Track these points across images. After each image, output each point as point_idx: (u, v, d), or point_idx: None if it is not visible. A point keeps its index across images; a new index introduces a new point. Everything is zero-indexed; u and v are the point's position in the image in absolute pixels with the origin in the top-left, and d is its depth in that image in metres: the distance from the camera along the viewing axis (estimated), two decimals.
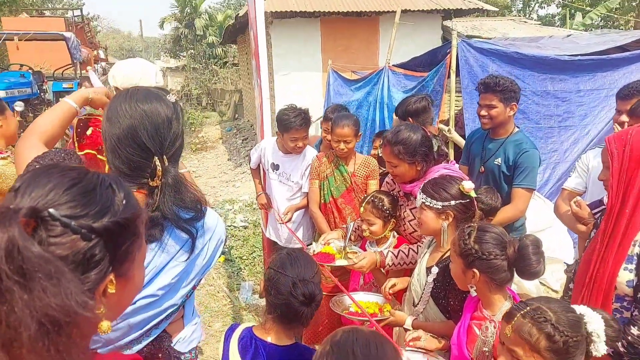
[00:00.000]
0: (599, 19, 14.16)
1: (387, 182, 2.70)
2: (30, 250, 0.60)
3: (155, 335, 1.40)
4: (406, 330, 2.03)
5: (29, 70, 10.12)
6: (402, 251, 2.35)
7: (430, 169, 2.38)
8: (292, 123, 3.16)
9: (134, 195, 0.81)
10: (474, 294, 1.70)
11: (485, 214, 2.60)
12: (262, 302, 4.33)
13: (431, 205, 1.99)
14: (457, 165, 2.57)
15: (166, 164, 1.32)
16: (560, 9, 20.30)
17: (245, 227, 6.56)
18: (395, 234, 2.61)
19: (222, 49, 24.53)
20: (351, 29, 10.05)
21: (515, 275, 1.67)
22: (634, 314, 1.58)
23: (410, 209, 2.50)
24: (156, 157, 1.29)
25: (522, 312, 1.32)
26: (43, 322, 0.61)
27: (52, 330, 0.62)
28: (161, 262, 1.30)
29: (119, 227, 0.74)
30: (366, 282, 2.67)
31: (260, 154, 3.66)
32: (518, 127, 2.99)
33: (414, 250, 2.34)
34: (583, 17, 14.70)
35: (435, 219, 1.99)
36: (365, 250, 2.64)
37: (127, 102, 1.31)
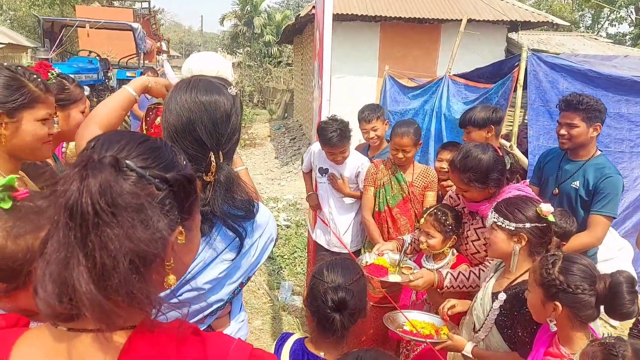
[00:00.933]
0: None
1: (450, 196, 2.59)
2: (122, 187, 0.68)
3: None
4: (465, 357, 1.92)
5: (97, 57, 10.63)
6: (463, 273, 2.24)
7: (502, 189, 2.25)
8: (328, 140, 3.10)
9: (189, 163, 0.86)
10: (553, 328, 1.55)
11: (560, 238, 2.44)
12: (300, 302, 4.30)
13: (504, 225, 1.86)
14: (528, 187, 2.42)
15: (221, 159, 1.29)
16: (633, 27, 19.22)
17: (288, 227, 6.57)
18: (455, 251, 2.49)
19: (277, 49, 24.92)
20: (411, 35, 9.88)
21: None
22: None
23: (475, 229, 2.37)
24: (212, 153, 1.27)
25: (597, 341, 1.23)
26: (133, 257, 0.67)
27: (140, 265, 0.69)
28: (208, 258, 1.28)
29: (185, 180, 0.79)
30: (418, 298, 2.56)
31: (310, 157, 3.64)
32: (601, 151, 2.80)
33: (475, 274, 2.21)
34: None
35: (506, 240, 1.86)
36: (420, 264, 2.54)
37: (188, 93, 1.28)
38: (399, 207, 3.10)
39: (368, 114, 3.48)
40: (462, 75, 5.55)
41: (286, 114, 17.82)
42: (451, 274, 2.22)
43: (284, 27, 16.24)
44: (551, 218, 1.80)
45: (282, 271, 5.21)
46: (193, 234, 0.84)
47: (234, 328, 1.51)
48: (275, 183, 9.37)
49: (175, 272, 0.80)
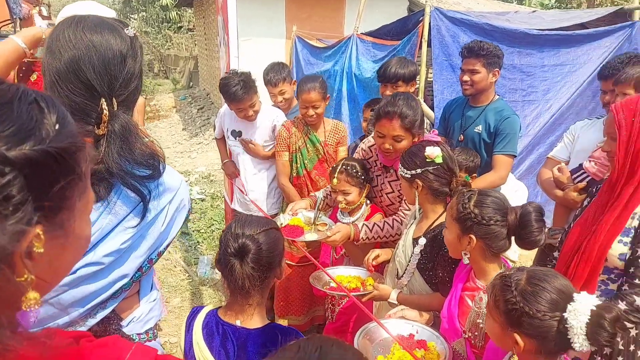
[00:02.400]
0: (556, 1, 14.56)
1: (363, 149, 2.55)
2: None
3: (101, 317, 1.19)
4: (391, 304, 1.93)
5: None
6: (377, 224, 2.24)
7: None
8: (233, 95, 2.91)
9: (73, 123, 0.60)
10: (466, 261, 1.61)
11: (468, 173, 2.55)
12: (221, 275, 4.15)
13: (404, 174, 1.93)
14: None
15: (115, 108, 1.10)
16: None
17: (203, 200, 6.30)
18: (368, 202, 2.49)
19: (176, 13, 23.30)
20: None
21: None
22: (623, 288, 1.54)
23: (389, 182, 2.38)
24: (103, 100, 1.08)
25: (499, 274, 1.27)
26: None
27: None
28: (107, 225, 1.10)
29: (48, 158, 0.53)
30: (337, 253, 2.54)
31: (220, 122, 3.43)
32: (498, 95, 2.93)
33: (389, 224, 2.23)
34: None
35: (409, 188, 1.92)
36: (336, 220, 2.51)
37: (72, 29, 1.08)
38: (317, 168, 3.03)
39: (273, 76, 3.28)
40: (369, 34, 5.54)
41: (191, 83, 16.91)
42: (366, 225, 2.22)
43: None
44: (438, 160, 1.83)
45: (199, 246, 4.99)
46: (69, 229, 0.61)
47: (145, 309, 1.35)
48: (185, 156, 8.92)
49: (43, 286, 0.58)
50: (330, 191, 2.58)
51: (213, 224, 5.44)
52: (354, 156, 2.59)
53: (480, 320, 1.49)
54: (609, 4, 13.75)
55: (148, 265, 1.26)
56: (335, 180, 2.40)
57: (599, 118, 2.60)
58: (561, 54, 4.59)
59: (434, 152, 1.83)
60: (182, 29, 22.54)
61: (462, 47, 2.88)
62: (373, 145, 2.48)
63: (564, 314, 1.13)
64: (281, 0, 9.48)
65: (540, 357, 1.20)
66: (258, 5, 9.31)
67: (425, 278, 1.90)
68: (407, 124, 2.13)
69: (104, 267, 1.13)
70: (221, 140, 3.55)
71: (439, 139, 2.26)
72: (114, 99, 1.10)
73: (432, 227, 1.90)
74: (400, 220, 2.23)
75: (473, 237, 1.54)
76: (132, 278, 1.22)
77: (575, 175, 2.30)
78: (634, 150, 1.50)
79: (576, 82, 4.62)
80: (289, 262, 3.04)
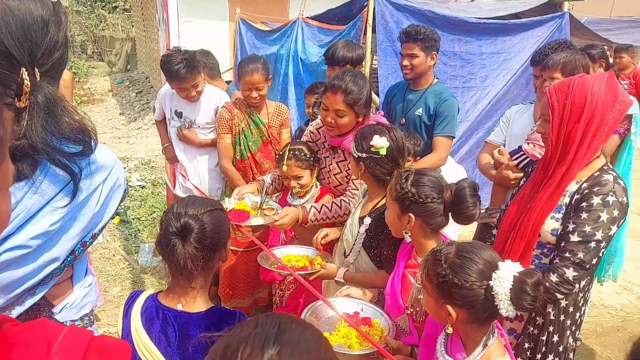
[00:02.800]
0: None
1: (311, 131, 2.54)
2: None
3: (29, 304, 1.12)
4: (337, 282, 1.95)
5: None
6: (325, 205, 2.24)
7: (364, 121, 2.27)
8: (176, 74, 2.79)
9: None
10: (408, 239, 1.64)
11: (413, 157, 2.61)
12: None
13: (352, 152, 1.94)
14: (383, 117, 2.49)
15: (38, 78, 1.02)
16: None
17: (143, 187, 6.05)
18: (318, 184, 2.49)
19: None
20: None
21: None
22: (555, 261, 1.64)
23: (337, 162, 2.38)
24: (24, 69, 0.99)
25: (431, 250, 1.32)
26: None
27: None
28: (33, 206, 1.03)
29: None
30: (287, 236, 2.53)
31: (161, 103, 3.28)
32: (437, 78, 3.00)
33: (337, 204, 2.24)
34: None
35: (355, 167, 1.95)
36: (285, 203, 2.49)
37: None
38: (261, 151, 2.98)
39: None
40: (314, 18, 5.50)
41: (129, 66, 16.10)
42: (315, 207, 2.22)
43: None
44: (382, 151, 1.84)
45: (140, 234, 4.80)
46: None
47: (79, 295, 1.27)
48: (123, 142, 8.52)
49: None
50: (278, 175, 2.55)
51: (154, 212, 5.24)
52: (302, 139, 2.57)
53: (421, 296, 1.53)
54: None
55: (81, 248, 1.18)
56: (285, 167, 2.37)
57: (531, 103, 2.73)
58: (498, 42, 4.78)
59: (379, 143, 1.84)
60: (118, 9, 21.34)
61: (400, 33, 2.92)
62: (321, 127, 2.47)
63: (489, 282, 1.18)
64: None
65: (473, 326, 1.25)
66: None
67: (370, 256, 1.93)
68: (349, 100, 2.13)
69: (31, 250, 1.05)
70: (161, 123, 3.41)
71: (384, 120, 2.29)
72: (36, 68, 1.01)
73: (377, 207, 1.93)
74: (349, 200, 2.24)
75: (412, 215, 1.58)
76: (63, 262, 1.14)
77: (514, 157, 2.41)
78: (565, 132, 1.57)
79: (511, 70, 4.84)
80: (233, 248, 2.99)
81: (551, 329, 1.73)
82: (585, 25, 5.64)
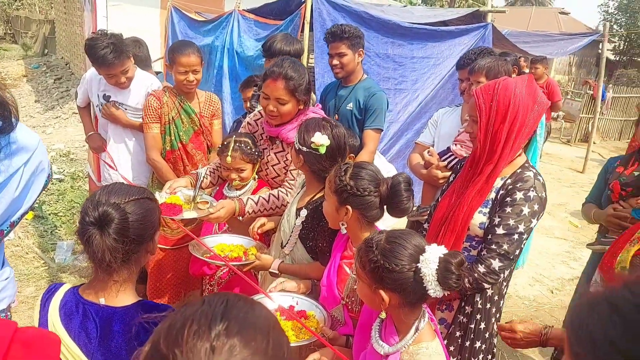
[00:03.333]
0: (422, 2, 15.91)
1: (248, 122, 2.49)
2: None
3: None
4: (272, 274, 1.93)
5: None
6: (263, 197, 2.22)
7: (304, 111, 2.27)
8: (102, 59, 2.61)
9: None
10: (344, 231, 1.67)
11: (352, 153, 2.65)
12: (86, 261, 3.77)
13: (295, 143, 1.95)
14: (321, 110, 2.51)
15: None
16: None
17: (61, 180, 5.63)
18: (256, 176, 2.45)
19: None
20: None
21: None
22: (482, 253, 1.74)
23: (275, 153, 2.36)
24: None
25: (365, 239, 1.37)
26: None
27: None
28: None
29: None
30: (220, 228, 2.46)
31: (86, 87, 3.06)
32: (367, 74, 3.08)
33: (274, 196, 2.22)
34: None
35: (295, 157, 1.95)
36: (222, 195, 2.43)
37: None
38: (193, 141, 2.86)
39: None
40: (251, 11, 5.42)
41: (46, 50, 14.91)
42: (252, 199, 2.19)
43: None
44: (322, 149, 1.86)
45: (57, 231, 4.46)
46: None
47: None
48: (39, 131, 7.87)
49: None
50: (214, 168, 2.47)
51: (74, 207, 4.90)
52: (240, 131, 2.52)
53: (357, 286, 1.56)
54: (466, 6, 15.43)
55: None
56: (229, 159, 2.30)
57: (457, 106, 2.89)
58: (428, 47, 4.99)
59: (319, 141, 1.85)
60: None
61: (326, 33, 2.97)
62: (259, 118, 2.44)
63: (417, 265, 1.25)
64: None
65: (405, 309, 1.31)
66: None
67: (306, 248, 1.94)
68: (290, 86, 2.13)
69: None
70: (85, 110, 3.18)
71: (322, 112, 2.31)
72: None
73: (314, 199, 1.94)
74: (286, 191, 2.24)
75: (349, 207, 1.61)
76: None
77: (443, 158, 2.53)
78: (492, 131, 1.67)
79: (439, 75, 5.07)
80: (161, 246, 2.85)
81: (478, 316, 1.84)
82: (506, 36, 6.05)
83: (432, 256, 1.25)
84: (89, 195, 4.17)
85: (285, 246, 1.99)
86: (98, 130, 3.13)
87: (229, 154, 2.30)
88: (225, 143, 2.38)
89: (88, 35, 3.23)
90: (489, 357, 1.91)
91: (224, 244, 2.11)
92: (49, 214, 4.71)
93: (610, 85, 12.64)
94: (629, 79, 16.34)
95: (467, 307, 1.84)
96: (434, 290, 1.24)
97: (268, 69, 2.19)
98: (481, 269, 1.70)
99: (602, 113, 11.20)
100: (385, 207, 1.65)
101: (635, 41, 23.23)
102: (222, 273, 2.45)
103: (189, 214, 2.13)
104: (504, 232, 1.67)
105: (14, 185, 1.03)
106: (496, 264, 1.68)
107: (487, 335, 1.87)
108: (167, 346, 0.61)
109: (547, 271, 4.55)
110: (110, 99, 2.93)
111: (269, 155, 2.39)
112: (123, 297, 1.27)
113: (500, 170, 1.71)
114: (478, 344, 1.85)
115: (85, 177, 5.05)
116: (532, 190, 1.67)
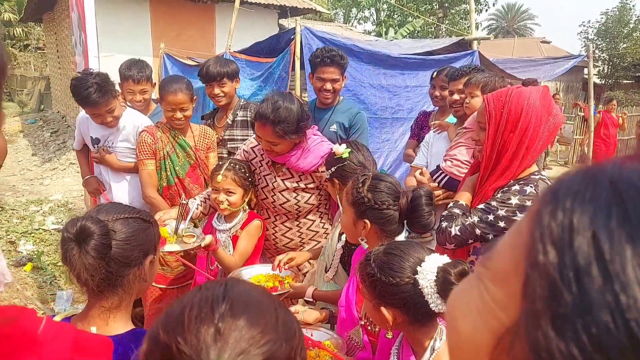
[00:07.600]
0: (407, 35, 16.39)
1: (245, 150, 2.46)
2: None
3: None
4: (307, 301, 1.88)
5: None
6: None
7: (307, 136, 2.26)
8: (86, 99, 2.58)
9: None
10: (365, 246, 1.58)
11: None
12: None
13: (326, 175, 1.98)
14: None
15: None
16: (376, 26, 23.10)
17: (59, 231, 5.55)
18: (247, 207, 2.38)
19: (22, 30, 20.82)
20: (184, 14, 9.45)
21: None
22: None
23: (282, 179, 2.32)
24: None
25: (366, 253, 1.28)
26: None
27: None
28: None
29: None
30: (212, 264, 2.36)
31: (80, 130, 3.05)
32: (341, 96, 3.05)
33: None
34: (395, 34, 16.86)
35: (332, 188, 1.96)
36: (211, 227, 2.36)
37: None
38: (189, 175, 2.81)
39: (136, 72, 2.99)
40: (242, 52, 5.53)
41: (42, 106, 15.12)
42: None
43: (26, 0, 13.60)
44: (345, 155, 1.87)
45: (56, 281, 4.34)
46: None
47: None
48: (37, 183, 7.86)
49: None
50: (208, 196, 2.42)
51: None
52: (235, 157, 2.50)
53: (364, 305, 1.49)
54: (452, 35, 15.92)
55: None
56: (220, 177, 2.23)
57: None
58: (419, 76, 5.08)
59: (339, 149, 1.85)
60: (30, 48, 20.23)
61: (319, 55, 2.86)
62: (256, 146, 2.41)
63: (415, 276, 1.14)
64: (146, 17, 9.08)
65: (416, 328, 1.20)
66: (119, 19, 8.82)
67: (347, 272, 1.87)
68: (279, 132, 2.10)
69: None
70: (82, 152, 3.15)
71: (319, 134, 2.32)
72: None
73: None
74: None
75: (367, 222, 1.54)
76: None
77: (435, 176, 2.50)
78: (501, 140, 1.60)
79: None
80: (157, 285, 2.75)
81: None
82: (494, 63, 6.19)
83: (430, 266, 1.13)
84: None
85: (329, 270, 1.94)
86: (96, 170, 3.10)
87: (222, 172, 2.23)
88: (220, 163, 2.36)
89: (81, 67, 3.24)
90: None
91: (259, 275, 2.05)
92: (48, 265, 4.61)
93: (600, 106, 12.86)
94: (617, 101, 16.67)
95: None
96: (435, 304, 1.11)
97: (257, 112, 2.15)
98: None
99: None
100: (405, 222, 1.57)
101: (619, 64, 23.86)
102: None
103: (170, 247, 2.06)
104: (482, 207, 1.62)
105: None
106: (454, 228, 1.62)
107: None
108: (168, 335, 0.56)
109: None
110: (100, 143, 2.90)
111: (275, 181, 2.34)
112: (114, 325, 1.17)
113: (505, 183, 1.64)
114: None
115: None
116: (531, 187, 1.61)
